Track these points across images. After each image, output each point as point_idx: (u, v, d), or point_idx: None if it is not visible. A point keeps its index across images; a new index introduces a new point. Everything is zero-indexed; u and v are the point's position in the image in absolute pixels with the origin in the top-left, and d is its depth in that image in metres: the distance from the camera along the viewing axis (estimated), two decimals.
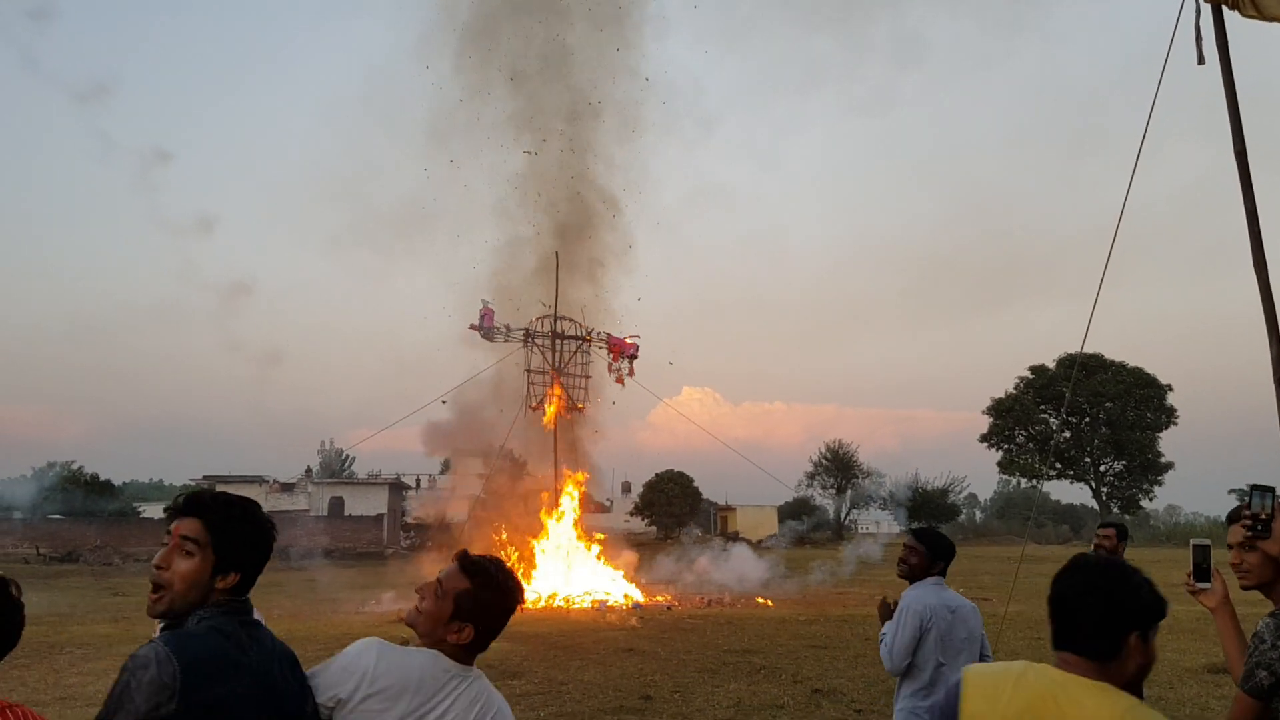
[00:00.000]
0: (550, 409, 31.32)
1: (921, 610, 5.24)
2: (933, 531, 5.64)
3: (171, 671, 2.27)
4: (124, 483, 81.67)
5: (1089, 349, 65.13)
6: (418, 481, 74.44)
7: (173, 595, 2.48)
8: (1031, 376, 68.06)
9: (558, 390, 31.15)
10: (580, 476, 31.26)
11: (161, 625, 2.53)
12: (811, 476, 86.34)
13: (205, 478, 69.52)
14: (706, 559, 35.01)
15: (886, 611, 5.44)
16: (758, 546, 60.55)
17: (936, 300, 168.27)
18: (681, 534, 51.33)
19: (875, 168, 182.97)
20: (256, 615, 2.71)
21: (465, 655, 2.89)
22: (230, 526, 2.60)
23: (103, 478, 75.66)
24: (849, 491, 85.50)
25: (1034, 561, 41.41)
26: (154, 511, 66.45)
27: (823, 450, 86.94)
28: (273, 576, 38.78)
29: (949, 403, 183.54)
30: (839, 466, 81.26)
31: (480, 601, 2.86)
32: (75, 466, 75.15)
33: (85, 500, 64.13)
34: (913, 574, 5.36)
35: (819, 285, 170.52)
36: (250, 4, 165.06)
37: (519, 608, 3.02)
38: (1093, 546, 6.89)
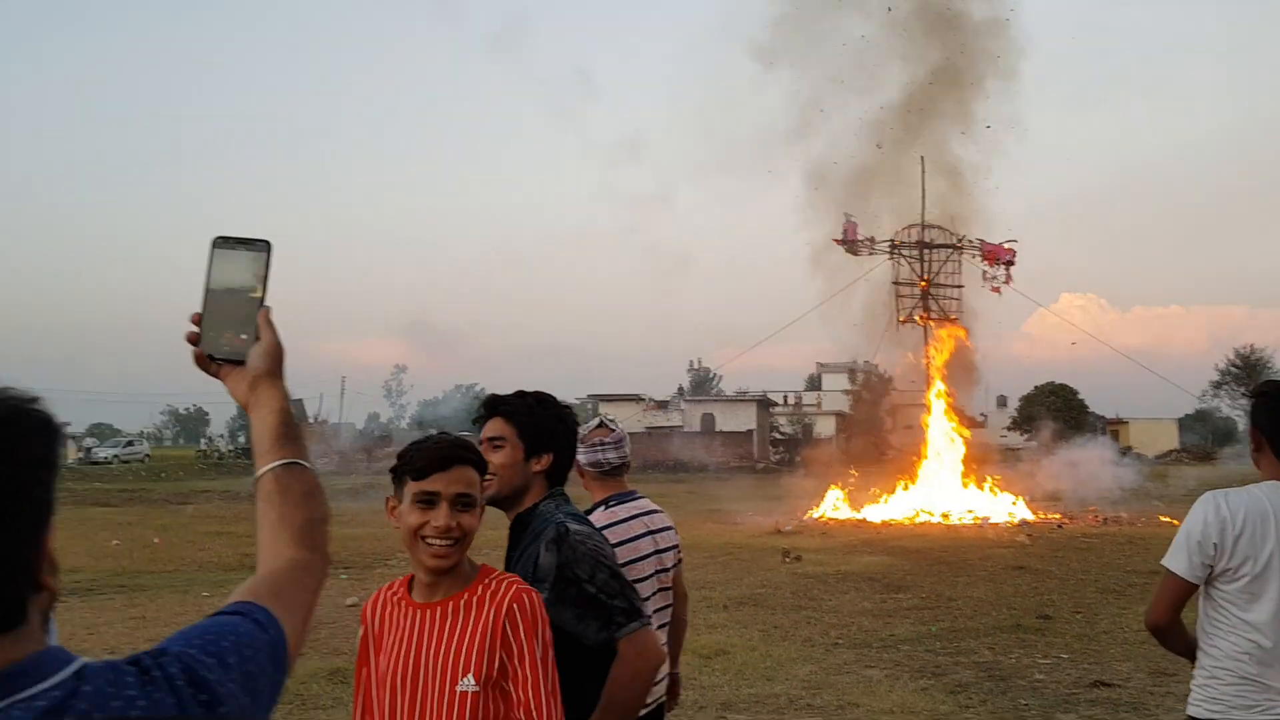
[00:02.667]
0: (922, 322, 30.30)
1: None
2: None
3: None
4: None
5: None
6: (784, 398, 75.58)
7: (499, 483, 2.81)
8: None
9: (927, 299, 30.01)
10: (959, 333, 29.91)
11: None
12: (1218, 386, 78.17)
13: (590, 396, 74.73)
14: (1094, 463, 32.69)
15: None
16: (1155, 462, 55.82)
17: None
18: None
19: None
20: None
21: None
22: (527, 414, 2.89)
23: None
24: None
25: None
26: None
27: (1231, 357, 78.38)
28: (655, 488, 41.11)
29: None
30: (1251, 374, 72.73)
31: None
32: (479, 388, 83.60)
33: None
34: None
35: (1226, 160, 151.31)
36: None
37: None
38: None
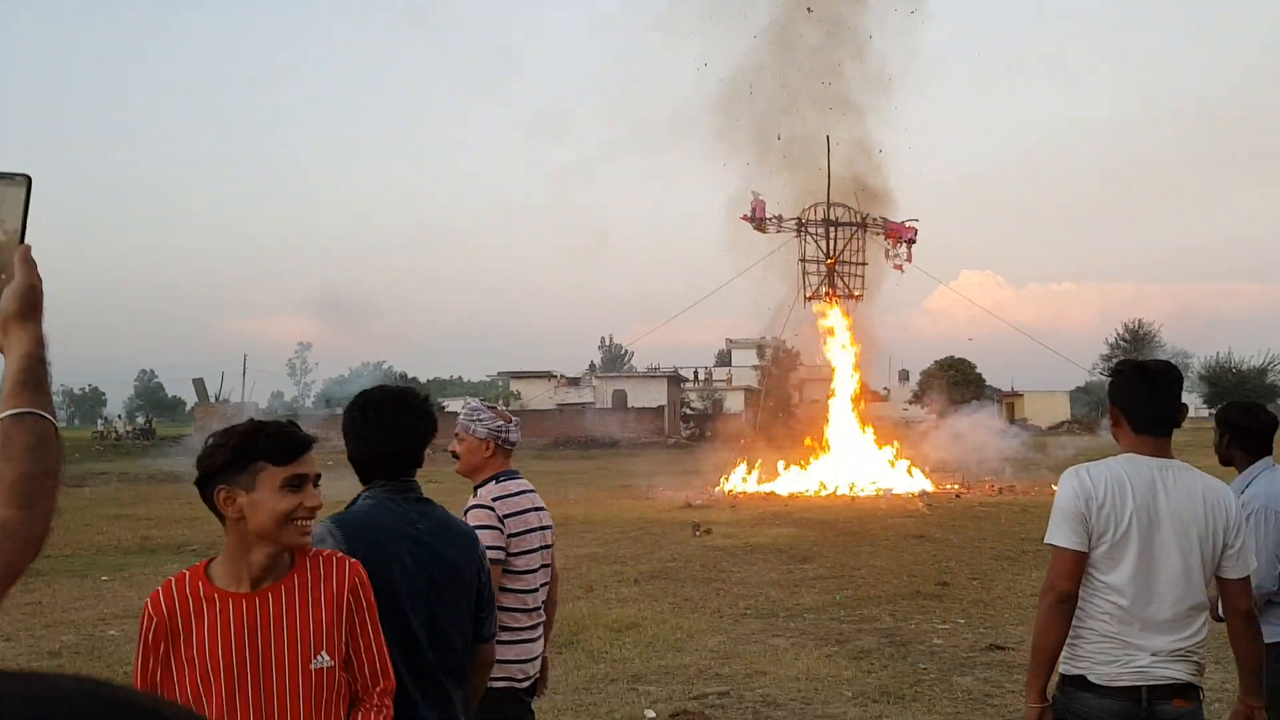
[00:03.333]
0: (827, 298, 30.85)
1: None
2: (1249, 405, 4.63)
3: (335, 541, 2.73)
4: (428, 379, 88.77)
5: None
6: (694, 374, 76.20)
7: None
8: None
9: (833, 276, 30.55)
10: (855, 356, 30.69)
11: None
12: (1107, 359, 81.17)
13: (500, 374, 74.39)
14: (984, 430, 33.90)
15: None
16: (1048, 433, 57.81)
17: (1254, 162, 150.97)
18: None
19: (1181, 12, 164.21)
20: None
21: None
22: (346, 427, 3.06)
23: (410, 375, 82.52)
24: None
25: None
26: (456, 405, 71.77)
27: (1120, 332, 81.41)
28: (565, 464, 41.21)
29: (1270, 276, 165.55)
30: (1139, 348, 75.71)
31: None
32: (386, 365, 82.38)
33: None
34: (1230, 458, 4.44)
35: (1117, 141, 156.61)
36: None
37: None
38: None
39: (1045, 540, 3.33)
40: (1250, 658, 3.35)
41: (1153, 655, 3.18)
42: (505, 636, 3.46)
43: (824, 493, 25.20)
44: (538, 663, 3.88)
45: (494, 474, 3.86)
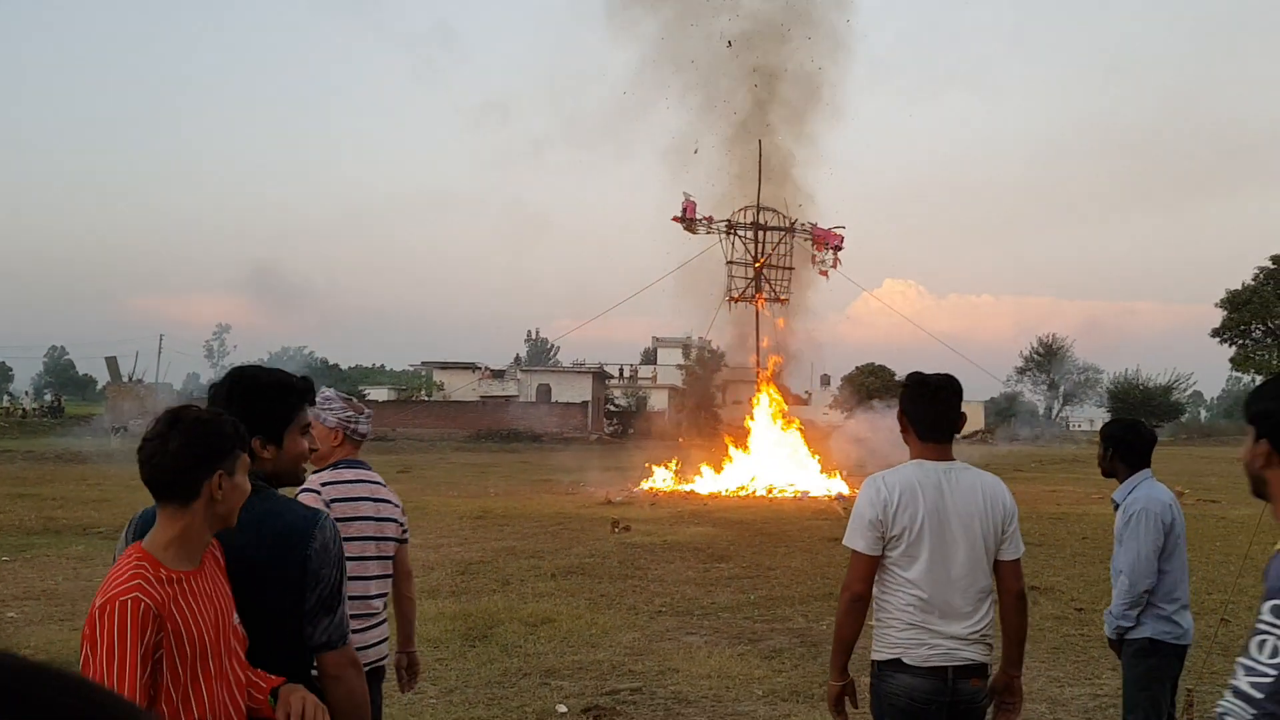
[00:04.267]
0: (754, 301, 31.14)
1: (1160, 510, 4.67)
2: (1131, 421, 5.07)
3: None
4: (350, 366, 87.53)
5: None
6: (620, 371, 76.35)
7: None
8: (1273, 267, 62.58)
9: (767, 279, 30.84)
10: (774, 361, 31.07)
11: None
12: (1022, 372, 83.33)
13: (424, 363, 73.63)
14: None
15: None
16: (961, 441, 59.03)
17: (1161, 186, 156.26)
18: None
19: (1089, 45, 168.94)
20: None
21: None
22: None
23: (331, 362, 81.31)
24: (1061, 387, 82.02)
25: None
26: (378, 394, 70.90)
27: (1034, 345, 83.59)
28: (487, 457, 40.96)
29: (1177, 295, 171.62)
30: (1052, 361, 77.84)
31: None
32: (307, 351, 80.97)
33: (317, 383, 69.11)
34: (1115, 471, 4.88)
35: (1032, 170, 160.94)
36: None
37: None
38: None
39: (844, 542, 3.72)
40: (1018, 631, 3.74)
41: (954, 639, 3.55)
42: None
43: (743, 493, 25.46)
44: (376, 649, 3.93)
45: (339, 460, 3.98)
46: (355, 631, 3.68)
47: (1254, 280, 63.15)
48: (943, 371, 3.90)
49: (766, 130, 31.23)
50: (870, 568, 3.62)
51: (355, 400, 4.13)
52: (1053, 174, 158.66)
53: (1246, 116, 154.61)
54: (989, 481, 3.75)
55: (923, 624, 3.55)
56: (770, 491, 25.57)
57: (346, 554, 3.27)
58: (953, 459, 3.76)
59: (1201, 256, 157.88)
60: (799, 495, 24.75)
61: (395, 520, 4.06)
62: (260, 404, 2.79)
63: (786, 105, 31.46)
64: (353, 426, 4.00)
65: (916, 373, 3.89)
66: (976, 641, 3.59)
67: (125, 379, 64.24)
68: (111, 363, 65.29)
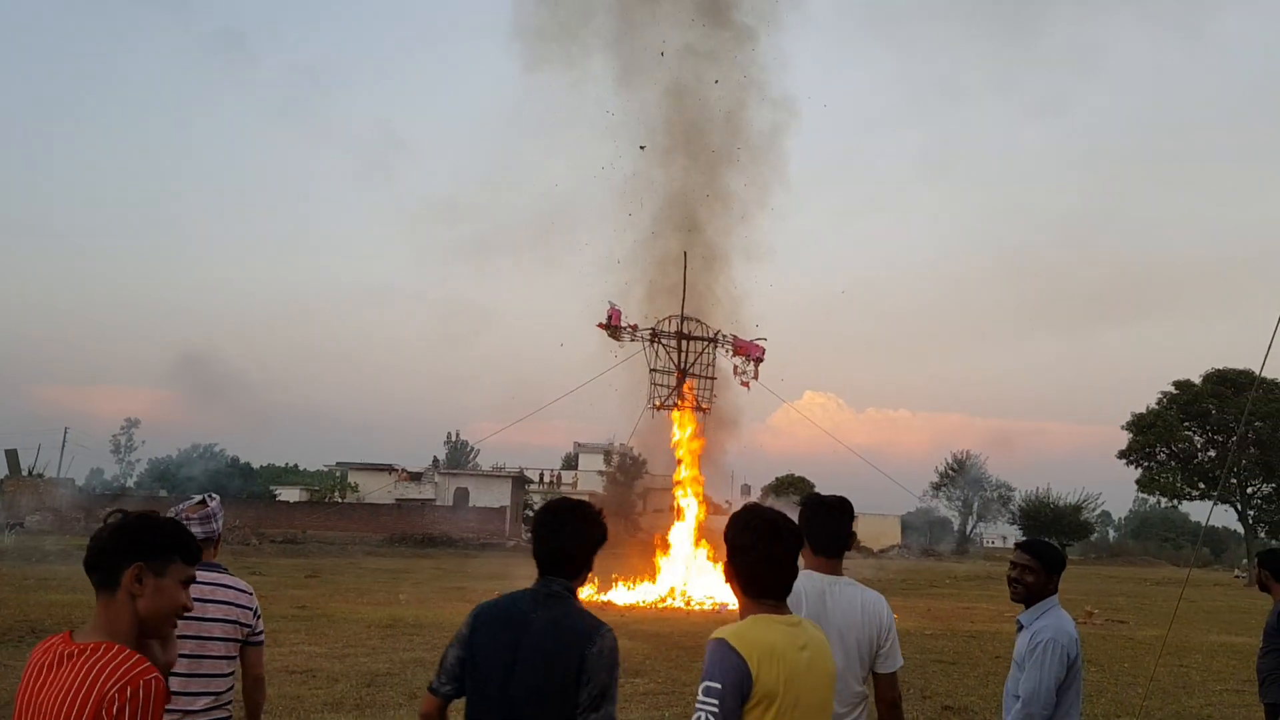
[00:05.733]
0: (676, 409, 31.31)
1: (1067, 643, 4.53)
2: (1045, 542, 4.94)
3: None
4: (262, 466, 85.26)
5: (1238, 365, 61.92)
6: (540, 476, 75.65)
7: None
8: (1175, 392, 65.09)
9: (690, 388, 31.09)
10: (692, 473, 31.14)
11: None
12: (937, 487, 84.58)
13: (339, 464, 72.11)
14: None
15: None
16: (879, 556, 59.42)
17: (1069, 312, 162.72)
18: None
19: (997, 177, 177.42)
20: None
21: None
22: None
23: (242, 461, 79.16)
24: (975, 504, 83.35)
25: (1172, 585, 39.56)
26: (290, 495, 69.09)
27: (949, 461, 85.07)
28: (401, 562, 39.95)
29: (1084, 417, 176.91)
30: (965, 477, 79.24)
31: None
32: (218, 449, 78.78)
33: (225, 482, 67.15)
34: (1030, 595, 4.72)
35: (947, 293, 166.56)
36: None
37: None
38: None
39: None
40: None
41: None
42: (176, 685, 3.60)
43: (660, 605, 25.15)
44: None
45: None
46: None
47: (1158, 404, 65.52)
48: (839, 494, 4.15)
49: (693, 243, 31.94)
50: None
51: (199, 501, 4.21)
52: (964, 297, 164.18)
53: (1145, 249, 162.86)
54: (870, 598, 3.95)
55: None
56: (689, 603, 25.29)
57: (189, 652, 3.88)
58: (841, 574, 3.98)
59: (1107, 381, 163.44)
60: (717, 607, 24.54)
61: (239, 622, 4.18)
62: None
63: (713, 221, 32.29)
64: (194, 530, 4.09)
65: (814, 494, 4.20)
66: None
67: (25, 473, 61.68)
68: (11, 455, 62.67)
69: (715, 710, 2.82)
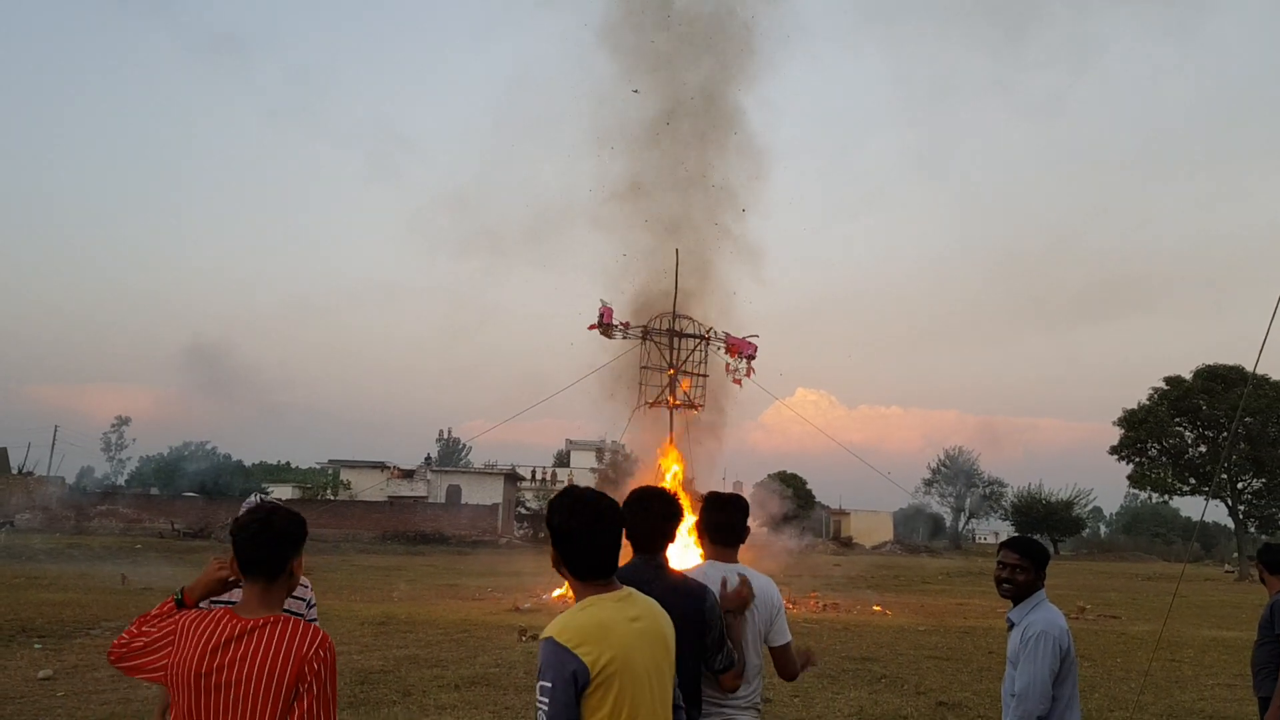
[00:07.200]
0: (669, 405, 31.29)
1: (1058, 634, 4.60)
2: (1032, 540, 5.02)
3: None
4: (253, 464, 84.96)
5: (1228, 361, 62.08)
6: (533, 473, 75.59)
7: None
8: (1166, 388, 65.26)
9: (684, 386, 31.08)
10: (673, 459, 31.11)
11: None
12: (929, 483, 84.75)
13: (331, 462, 71.96)
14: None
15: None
16: (871, 552, 59.51)
17: (1061, 308, 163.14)
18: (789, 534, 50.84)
19: (988, 176, 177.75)
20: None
21: None
22: None
23: (234, 459, 78.94)
24: (968, 500, 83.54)
25: (1163, 580, 39.70)
26: (282, 492, 68.89)
27: (941, 457, 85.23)
28: (393, 560, 39.89)
29: (1075, 413, 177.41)
30: (958, 474, 79.41)
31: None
32: (210, 447, 78.55)
33: (218, 479, 66.97)
34: (1020, 592, 4.80)
35: (939, 288, 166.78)
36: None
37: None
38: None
39: None
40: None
41: (734, 709, 4.14)
42: None
43: None
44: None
45: None
46: None
47: (1149, 400, 65.68)
48: (729, 493, 4.61)
49: (686, 239, 31.91)
50: None
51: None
52: (956, 293, 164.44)
53: (1136, 246, 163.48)
54: (762, 582, 4.41)
55: (711, 697, 4.07)
56: None
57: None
58: (736, 562, 4.46)
59: (1098, 377, 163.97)
60: None
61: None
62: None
63: (708, 217, 32.26)
64: None
65: (714, 491, 4.61)
66: (748, 708, 4.21)
67: (15, 470, 61.46)
68: (1, 453, 62.45)
69: (547, 709, 2.91)
